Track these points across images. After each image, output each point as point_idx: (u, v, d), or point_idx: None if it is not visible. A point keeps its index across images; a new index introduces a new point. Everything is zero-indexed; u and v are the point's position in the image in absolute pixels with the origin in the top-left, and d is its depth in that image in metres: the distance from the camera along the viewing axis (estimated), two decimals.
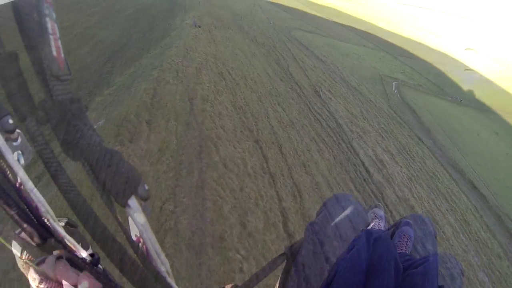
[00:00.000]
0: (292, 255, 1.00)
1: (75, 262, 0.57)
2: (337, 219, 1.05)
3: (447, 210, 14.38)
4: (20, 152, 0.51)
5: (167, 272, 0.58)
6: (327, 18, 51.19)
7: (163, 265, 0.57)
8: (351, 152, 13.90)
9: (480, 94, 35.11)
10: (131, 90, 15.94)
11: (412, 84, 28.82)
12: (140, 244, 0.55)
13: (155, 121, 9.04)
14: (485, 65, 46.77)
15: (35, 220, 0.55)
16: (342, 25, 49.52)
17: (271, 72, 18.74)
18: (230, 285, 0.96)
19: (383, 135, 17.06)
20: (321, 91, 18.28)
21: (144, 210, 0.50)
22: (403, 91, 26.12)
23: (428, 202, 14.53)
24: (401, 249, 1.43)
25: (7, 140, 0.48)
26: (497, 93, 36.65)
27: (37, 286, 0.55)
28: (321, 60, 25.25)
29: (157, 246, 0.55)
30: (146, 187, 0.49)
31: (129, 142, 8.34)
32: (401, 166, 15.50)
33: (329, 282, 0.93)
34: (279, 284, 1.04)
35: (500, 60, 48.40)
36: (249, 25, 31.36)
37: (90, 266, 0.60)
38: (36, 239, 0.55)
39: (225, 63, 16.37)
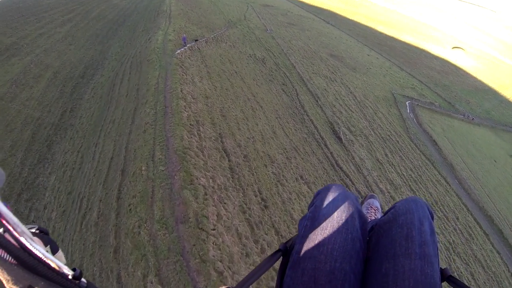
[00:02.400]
0: (287, 251, 0.96)
1: (60, 283, 0.56)
2: (330, 211, 0.92)
3: (484, 283, 12.93)
4: None
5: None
6: (325, 21, 47.92)
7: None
8: None
9: (487, 107, 33.83)
10: (95, 167, 12.18)
11: (425, 102, 27.37)
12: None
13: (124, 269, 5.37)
14: (485, 72, 45.52)
15: (14, 242, 0.56)
16: (341, 29, 46.42)
17: (281, 110, 15.25)
18: (225, 287, 0.81)
19: (413, 187, 14.80)
20: (341, 130, 15.35)
21: None
22: (419, 114, 24.29)
23: (467, 278, 12.83)
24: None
25: None
26: (503, 104, 35.53)
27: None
28: (330, 78, 22.12)
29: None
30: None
31: None
32: (437, 233, 13.85)
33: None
34: (277, 280, 0.95)
35: (500, 68, 47.34)
36: (244, 34, 27.64)
37: (74, 283, 0.59)
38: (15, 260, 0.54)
39: (223, 111, 12.66)
